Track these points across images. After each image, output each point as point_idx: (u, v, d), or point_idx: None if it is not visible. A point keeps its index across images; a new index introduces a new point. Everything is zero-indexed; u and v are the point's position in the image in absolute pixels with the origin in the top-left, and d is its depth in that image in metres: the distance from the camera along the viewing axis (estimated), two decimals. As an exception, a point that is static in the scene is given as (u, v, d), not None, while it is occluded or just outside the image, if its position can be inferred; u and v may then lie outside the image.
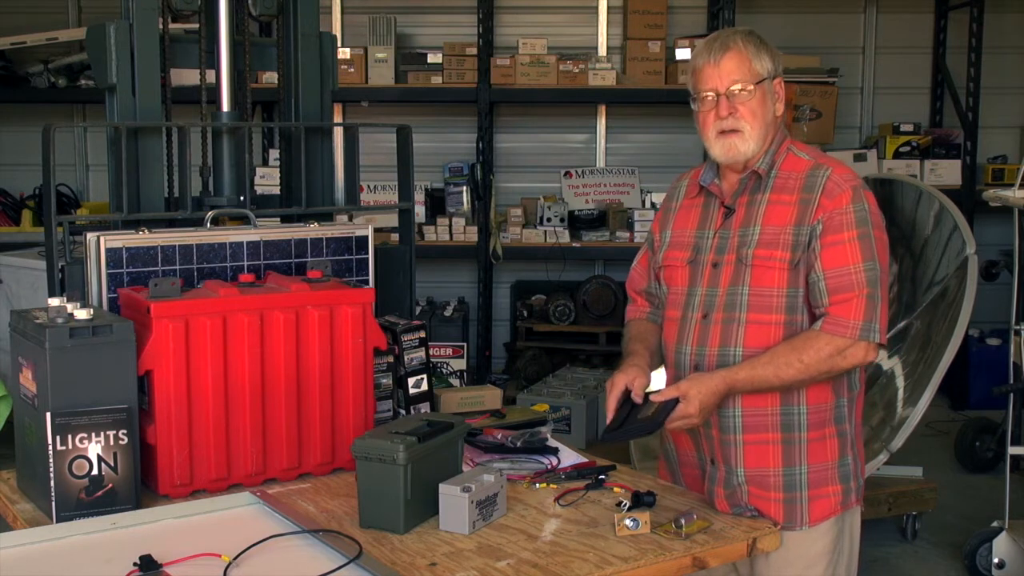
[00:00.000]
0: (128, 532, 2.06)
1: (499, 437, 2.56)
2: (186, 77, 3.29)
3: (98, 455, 2.10)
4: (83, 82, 6.56)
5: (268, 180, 5.57)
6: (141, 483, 2.20)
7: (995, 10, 6.70)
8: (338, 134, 3.10)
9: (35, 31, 6.49)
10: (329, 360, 2.41)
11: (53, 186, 2.59)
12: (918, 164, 6.62)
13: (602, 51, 6.96)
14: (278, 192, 3.16)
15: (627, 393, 2.24)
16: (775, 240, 2.24)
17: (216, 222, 2.72)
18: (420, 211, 6.57)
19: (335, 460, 2.44)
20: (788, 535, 2.26)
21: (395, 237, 3.20)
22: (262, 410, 2.34)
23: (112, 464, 2.11)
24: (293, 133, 3.03)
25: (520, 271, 6.97)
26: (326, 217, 3.04)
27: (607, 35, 7.00)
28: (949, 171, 6.63)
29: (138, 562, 1.85)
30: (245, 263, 2.62)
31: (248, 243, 2.62)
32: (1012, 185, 4.49)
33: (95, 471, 2.10)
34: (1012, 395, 4.36)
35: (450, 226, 6.54)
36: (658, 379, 2.35)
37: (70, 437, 2.07)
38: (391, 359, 2.69)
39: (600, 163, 7.08)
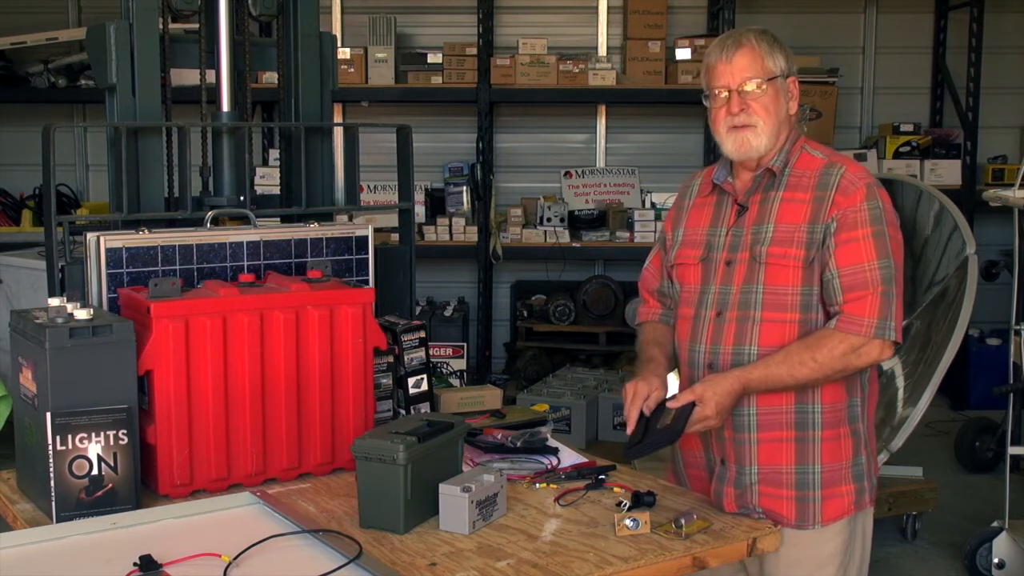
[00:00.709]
0: (128, 532, 2.06)
1: (499, 437, 2.56)
2: (186, 77, 3.29)
3: (98, 455, 2.10)
4: (83, 82, 6.56)
5: (268, 180, 5.57)
6: (141, 483, 2.20)
7: (995, 10, 6.71)
8: (338, 134, 3.10)
9: (35, 31, 6.49)
10: (329, 360, 2.41)
11: (53, 186, 2.59)
12: (918, 164, 6.62)
13: (602, 51, 6.96)
14: (278, 192, 3.16)
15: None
16: (789, 238, 2.24)
17: (216, 222, 2.72)
18: (420, 211, 6.57)
19: (335, 460, 2.44)
20: (800, 534, 2.25)
21: (395, 237, 3.20)
22: (262, 410, 2.34)
23: (112, 464, 2.11)
24: (293, 133, 3.03)
25: (520, 271, 6.97)
26: (326, 217, 3.04)
27: (607, 35, 7.01)
28: (949, 171, 6.63)
29: (138, 562, 1.85)
30: (245, 263, 2.62)
31: (248, 243, 2.62)
32: (1012, 185, 4.49)
33: (95, 471, 2.10)
34: (1012, 395, 4.36)
35: (450, 226, 6.54)
36: (671, 383, 2.35)
37: (70, 437, 2.07)
38: (391, 359, 2.69)
39: (600, 163, 7.09)
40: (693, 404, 2.17)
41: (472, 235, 6.54)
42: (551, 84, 6.45)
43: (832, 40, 6.98)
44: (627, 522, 2.08)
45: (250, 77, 3.06)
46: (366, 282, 2.79)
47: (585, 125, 7.12)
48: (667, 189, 6.66)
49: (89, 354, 2.12)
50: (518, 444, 2.54)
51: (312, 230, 2.72)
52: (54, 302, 2.16)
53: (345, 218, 3.60)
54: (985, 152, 6.74)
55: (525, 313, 6.69)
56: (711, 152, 6.85)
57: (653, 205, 6.63)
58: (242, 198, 2.88)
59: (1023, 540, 4.03)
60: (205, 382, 2.26)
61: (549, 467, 2.45)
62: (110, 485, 2.11)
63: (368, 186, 6.60)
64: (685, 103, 6.88)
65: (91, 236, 2.46)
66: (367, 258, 2.80)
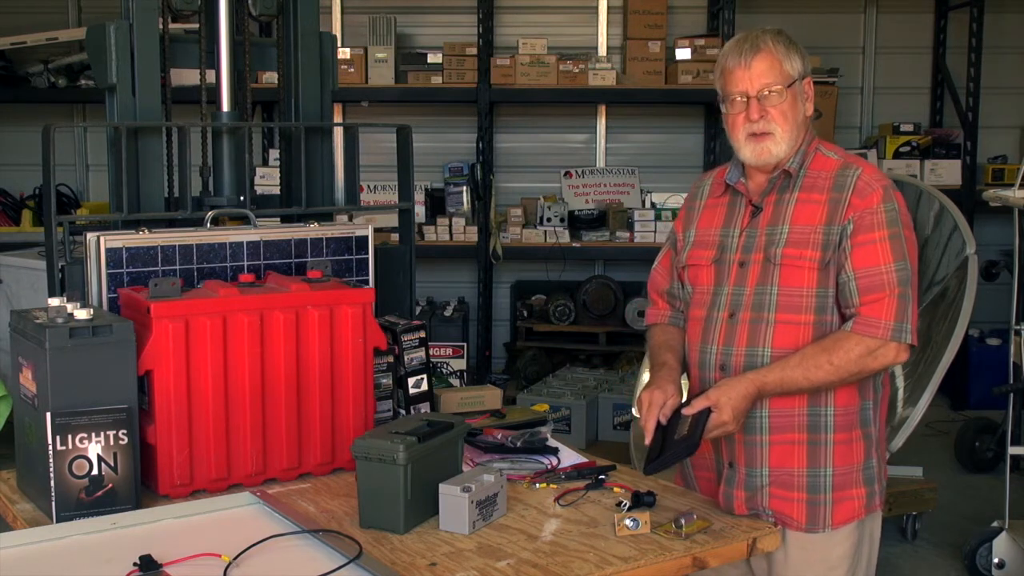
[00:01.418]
0: (128, 532, 2.06)
1: (499, 437, 2.56)
2: (186, 77, 3.29)
3: (98, 455, 2.10)
4: (83, 82, 6.56)
5: (268, 180, 5.57)
6: (141, 483, 2.20)
7: (995, 10, 6.71)
8: (338, 134, 3.10)
9: (35, 31, 6.49)
10: (329, 360, 2.41)
11: (53, 186, 2.59)
12: (918, 164, 6.62)
13: (602, 51, 6.96)
14: (278, 192, 3.16)
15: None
16: (805, 239, 2.22)
17: (216, 222, 2.72)
18: (420, 211, 6.57)
19: (335, 460, 2.44)
20: (809, 537, 2.24)
21: (395, 237, 3.20)
22: (262, 410, 2.34)
23: (112, 464, 2.11)
24: (293, 133, 3.03)
25: (520, 271, 6.97)
26: (326, 217, 3.04)
27: (607, 35, 7.01)
28: (949, 171, 6.63)
29: (138, 562, 1.85)
30: (245, 263, 2.62)
31: (248, 243, 2.62)
32: (1012, 185, 4.49)
33: (95, 471, 2.10)
34: (1012, 395, 4.36)
35: (450, 226, 6.54)
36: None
37: (70, 437, 2.07)
38: (391, 359, 2.69)
39: (600, 163, 7.08)
40: (709, 410, 2.15)
41: (472, 235, 6.54)
42: (551, 84, 6.45)
43: (832, 40, 6.98)
44: (627, 522, 2.08)
45: (250, 77, 3.06)
46: (366, 282, 2.79)
47: (585, 125, 7.12)
48: (667, 189, 6.65)
49: (89, 354, 2.12)
50: (518, 444, 2.54)
51: (312, 230, 2.72)
52: (54, 302, 2.16)
53: (345, 218, 3.60)
54: (985, 152, 6.74)
55: (525, 313, 6.70)
56: (711, 152, 6.86)
57: (653, 205, 6.62)
58: (242, 198, 2.88)
59: (1023, 540, 4.03)
60: (205, 382, 2.26)
61: (549, 467, 2.45)
62: (110, 485, 2.11)
63: (368, 186, 6.60)
64: (685, 103, 6.89)
65: (91, 236, 2.46)
66: (367, 258, 2.80)
